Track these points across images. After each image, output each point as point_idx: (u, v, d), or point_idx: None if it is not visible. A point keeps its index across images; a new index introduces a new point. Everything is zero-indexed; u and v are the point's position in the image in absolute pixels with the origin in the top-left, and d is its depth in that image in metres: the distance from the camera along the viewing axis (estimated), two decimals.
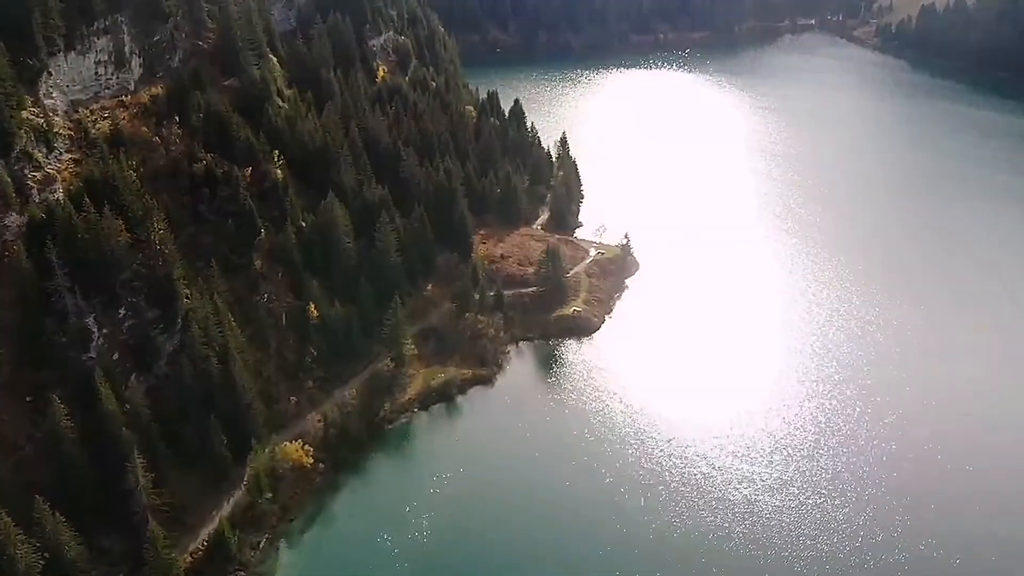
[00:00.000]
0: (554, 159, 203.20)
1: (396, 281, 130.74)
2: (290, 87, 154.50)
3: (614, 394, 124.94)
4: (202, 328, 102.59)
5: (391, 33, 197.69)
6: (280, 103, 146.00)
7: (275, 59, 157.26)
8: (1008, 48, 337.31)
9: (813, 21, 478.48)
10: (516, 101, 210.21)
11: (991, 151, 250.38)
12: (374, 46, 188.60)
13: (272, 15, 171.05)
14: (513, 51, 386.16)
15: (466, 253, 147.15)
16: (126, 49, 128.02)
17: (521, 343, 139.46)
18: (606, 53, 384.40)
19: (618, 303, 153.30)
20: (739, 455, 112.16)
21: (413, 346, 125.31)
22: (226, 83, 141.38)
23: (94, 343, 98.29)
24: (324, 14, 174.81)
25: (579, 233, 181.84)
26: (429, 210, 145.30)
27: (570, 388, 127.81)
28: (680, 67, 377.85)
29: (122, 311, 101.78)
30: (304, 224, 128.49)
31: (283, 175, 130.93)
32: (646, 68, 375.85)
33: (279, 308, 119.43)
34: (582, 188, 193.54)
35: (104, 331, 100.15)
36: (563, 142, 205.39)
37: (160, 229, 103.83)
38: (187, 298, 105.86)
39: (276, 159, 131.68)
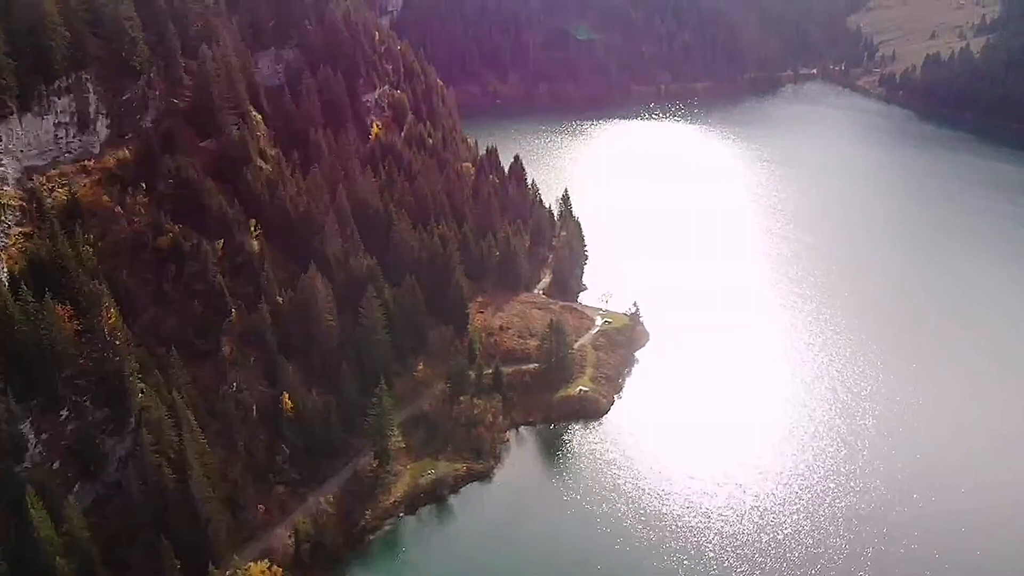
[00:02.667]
0: (556, 218, 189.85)
1: (383, 361, 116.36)
2: (275, 147, 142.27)
3: (625, 493, 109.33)
4: (155, 433, 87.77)
5: (386, 87, 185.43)
6: (262, 165, 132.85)
7: (259, 117, 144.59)
8: (1018, 99, 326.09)
9: (815, 70, 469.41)
10: (516, 157, 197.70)
11: (1009, 205, 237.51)
12: (368, 101, 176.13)
13: (258, 69, 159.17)
14: (513, 102, 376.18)
15: (462, 326, 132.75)
16: (91, 109, 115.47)
17: (522, 428, 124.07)
18: (607, 104, 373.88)
19: (628, 380, 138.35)
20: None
21: (400, 438, 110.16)
22: (202, 144, 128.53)
23: (29, 452, 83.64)
24: (314, 68, 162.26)
25: (583, 298, 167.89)
26: (422, 279, 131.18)
27: (576, 484, 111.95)
28: (682, 118, 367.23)
29: (64, 412, 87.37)
30: (281, 301, 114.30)
31: (259, 247, 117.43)
32: (648, 119, 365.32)
33: (249, 399, 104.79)
34: (586, 249, 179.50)
35: (43, 436, 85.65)
36: (565, 199, 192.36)
37: (111, 317, 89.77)
38: (142, 393, 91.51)
39: (253, 229, 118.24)
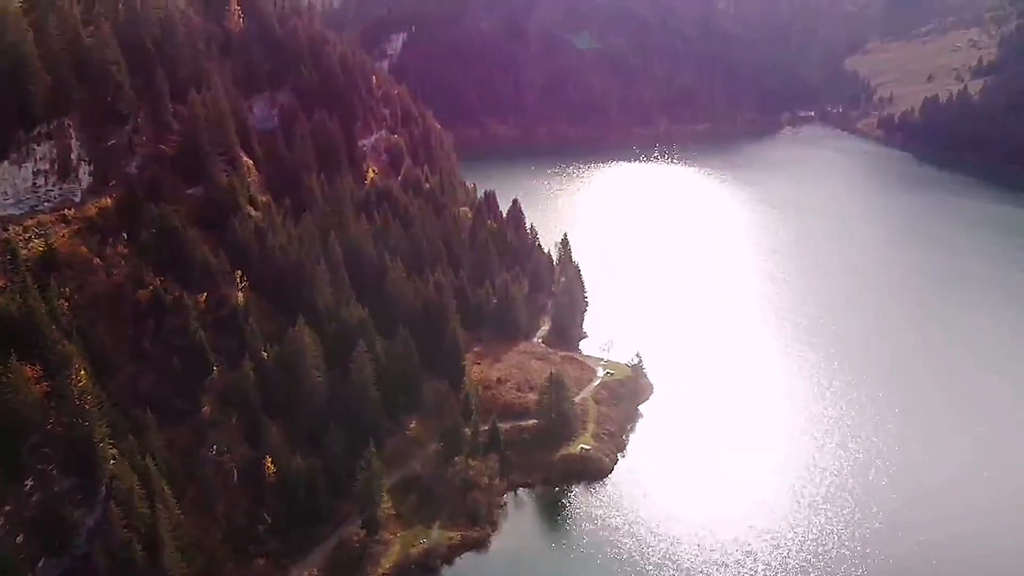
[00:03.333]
0: (555, 263, 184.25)
1: (373, 420, 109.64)
2: (266, 193, 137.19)
3: (630, 562, 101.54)
4: (125, 504, 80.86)
5: (383, 131, 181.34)
6: (251, 212, 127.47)
7: (250, 162, 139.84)
8: (1019, 141, 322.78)
9: (813, 113, 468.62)
10: (515, 201, 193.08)
11: (1013, 249, 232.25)
12: (364, 145, 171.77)
13: (252, 113, 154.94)
14: (512, 144, 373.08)
15: (457, 379, 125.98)
16: (73, 156, 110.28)
17: (520, 491, 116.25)
18: (606, 146, 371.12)
19: (632, 436, 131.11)
20: None
21: (390, 503, 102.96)
22: (189, 192, 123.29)
23: None
24: (310, 112, 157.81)
25: (584, 347, 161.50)
26: (416, 330, 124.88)
27: (577, 553, 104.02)
28: (682, 160, 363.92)
29: (29, 482, 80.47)
30: (266, 356, 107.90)
31: (245, 299, 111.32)
32: (647, 161, 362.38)
33: (230, 462, 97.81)
34: (586, 295, 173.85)
35: (5, 508, 78.75)
36: (565, 244, 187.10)
37: (82, 379, 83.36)
38: (114, 460, 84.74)
39: (238, 280, 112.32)
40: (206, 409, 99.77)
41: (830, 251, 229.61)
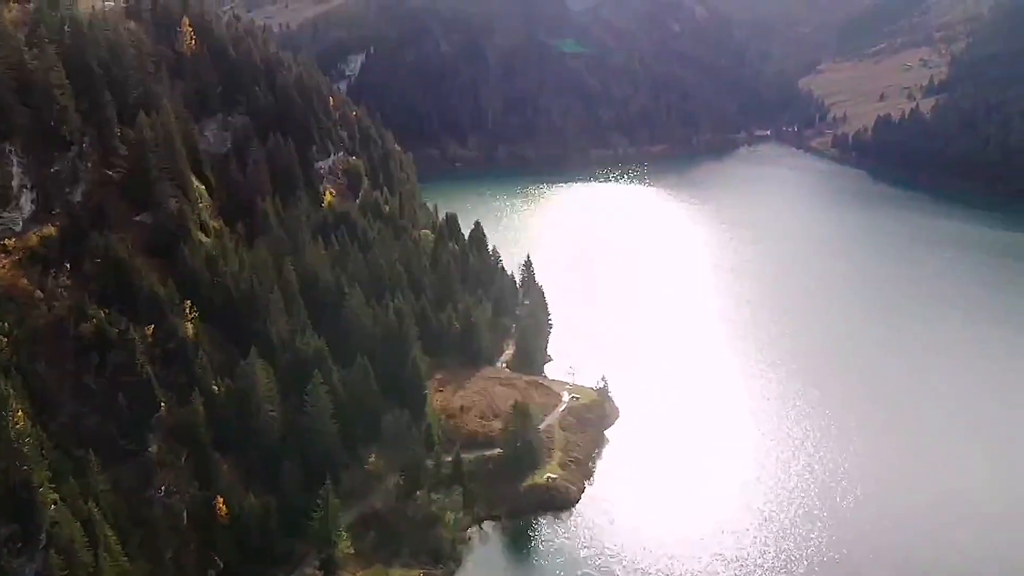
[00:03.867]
0: (518, 285, 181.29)
1: (330, 454, 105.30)
2: (218, 219, 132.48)
3: None
4: (66, 553, 75.59)
5: (341, 154, 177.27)
6: (202, 239, 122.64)
7: (202, 187, 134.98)
8: (972, 158, 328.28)
9: (768, 132, 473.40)
10: (477, 224, 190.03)
11: (967, 265, 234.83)
12: (321, 168, 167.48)
13: (204, 137, 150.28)
14: (473, 165, 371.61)
15: (419, 409, 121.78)
16: (14, 183, 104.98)
17: (485, 524, 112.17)
18: (566, 167, 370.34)
19: (599, 463, 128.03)
20: None
21: (348, 542, 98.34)
22: (137, 219, 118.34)
23: None
24: (264, 135, 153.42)
25: (549, 370, 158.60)
26: (375, 359, 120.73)
27: None
28: (641, 180, 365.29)
29: None
30: (217, 390, 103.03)
31: (194, 330, 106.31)
32: (607, 181, 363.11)
33: (179, 504, 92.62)
34: (550, 317, 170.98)
35: None
36: (528, 265, 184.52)
37: (19, 420, 78.11)
38: (55, 505, 79.40)
39: (188, 311, 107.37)
40: (153, 448, 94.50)
41: (790, 269, 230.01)
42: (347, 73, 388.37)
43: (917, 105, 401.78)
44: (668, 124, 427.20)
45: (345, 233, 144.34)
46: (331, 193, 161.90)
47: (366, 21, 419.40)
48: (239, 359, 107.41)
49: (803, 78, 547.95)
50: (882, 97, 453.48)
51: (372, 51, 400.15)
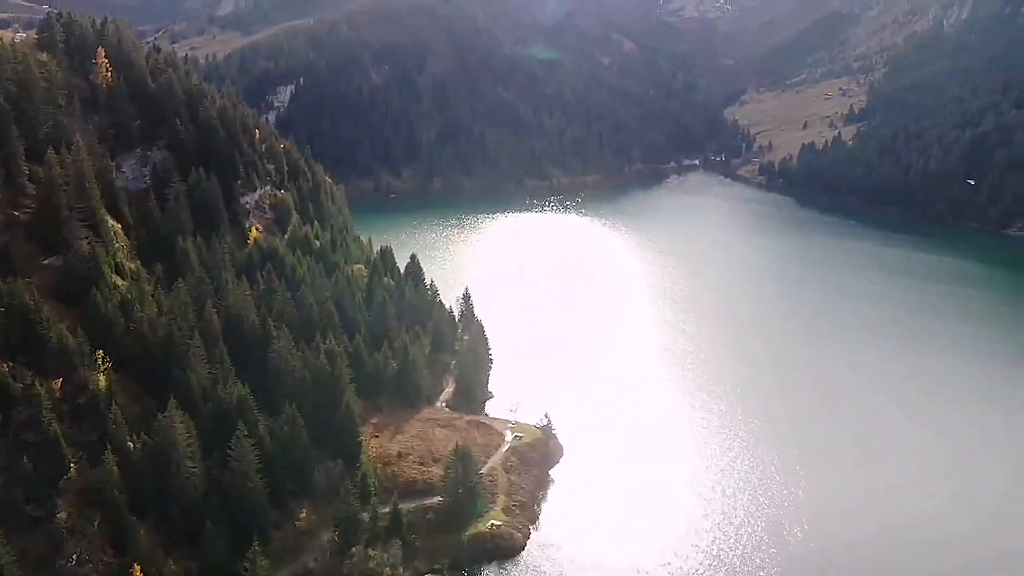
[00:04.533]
0: (457, 319, 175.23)
1: (257, 512, 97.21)
2: (135, 260, 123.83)
3: None
4: None
5: (268, 188, 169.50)
6: (117, 282, 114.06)
7: (117, 226, 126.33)
8: (894, 184, 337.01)
9: (698, 161, 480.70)
10: (413, 257, 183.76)
11: (892, 288, 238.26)
12: (247, 203, 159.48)
13: (122, 172, 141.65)
14: (408, 196, 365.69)
15: (353, 458, 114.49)
16: None
17: None
18: (501, 197, 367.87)
19: (544, 506, 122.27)
20: None
21: None
22: (45, 262, 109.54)
23: None
24: (186, 171, 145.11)
25: (491, 407, 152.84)
26: (305, 405, 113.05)
27: None
28: (576, 210, 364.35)
29: None
30: (132, 447, 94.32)
31: (107, 382, 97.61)
32: (542, 211, 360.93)
33: (92, 573, 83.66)
34: (490, 352, 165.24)
35: None
36: (466, 298, 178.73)
37: None
38: None
39: (100, 361, 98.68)
40: (63, 513, 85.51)
41: (724, 298, 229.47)
42: (276, 104, 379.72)
43: (839, 133, 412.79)
44: (601, 154, 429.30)
45: (272, 271, 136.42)
46: (257, 229, 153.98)
47: (295, 52, 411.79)
48: (156, 412, 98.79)
49: (728, 108, 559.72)
50: (805, 126, 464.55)
51: (302, 82, 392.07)
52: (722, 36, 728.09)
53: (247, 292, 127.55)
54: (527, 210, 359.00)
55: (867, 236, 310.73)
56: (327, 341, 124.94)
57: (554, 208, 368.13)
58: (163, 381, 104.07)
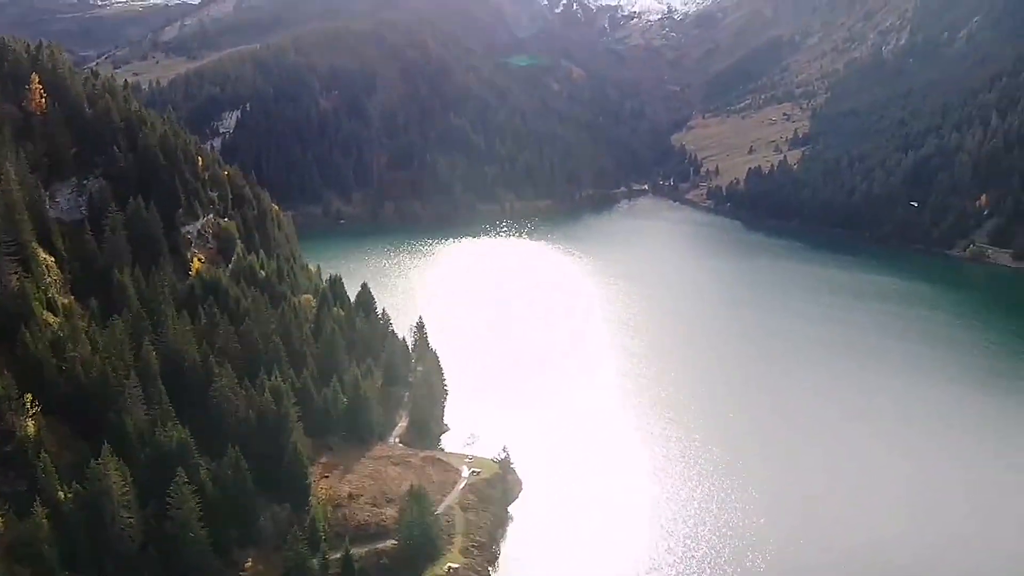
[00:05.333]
0: (411, 350, 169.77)
1: (199, 562, 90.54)
2: (69, 295, 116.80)
3: None
4: None
5: (211, 216, 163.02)
6: (49, 320, 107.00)
7: (50, 260, 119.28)
8: (839, 206, 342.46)
9: (647, 186, 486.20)
10: (364, 286, 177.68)
11: (843, 310, 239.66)
12: (189, 233, 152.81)
13: (57, 202, 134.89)
14: (358, 222, 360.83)
15: (302, 501, 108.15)
16: None
17: None
18: (454, 222, 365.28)
19: (504, 545, 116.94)
20: None
21: None
22: None
23: None
24: (124, 200, 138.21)
25: (446, 441, 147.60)
26: (250, 447, 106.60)
27: None
28: (528, 235, 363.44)
29: None
30: (63, 497, 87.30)
31: (36, 428, 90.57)
32: (495, 236, 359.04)
33: None
34: (445, 383, 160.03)
35: None
36: (420, 328, 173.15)
37: None
38: None
39: (29, 406, 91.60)
40: None
41: (678, 322, 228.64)
42: (221, 130, 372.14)
43: (784, 157, 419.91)
44: (552, 180, 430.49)
45: (215, 304, 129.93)
46: (200, 260, 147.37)
47: (241, 77, 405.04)
48: (90, 458, 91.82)
49: (675, 134, 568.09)
50: (751, 150, 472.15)
51: (248, 108, 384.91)
52: (667, 63, 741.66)
53: (188, 327, 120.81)
54: (481, 235, 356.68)
55: (815, 258, 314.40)
56: (272, 377, 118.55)
57: (507, 233, 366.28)
58: (97, 425, 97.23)
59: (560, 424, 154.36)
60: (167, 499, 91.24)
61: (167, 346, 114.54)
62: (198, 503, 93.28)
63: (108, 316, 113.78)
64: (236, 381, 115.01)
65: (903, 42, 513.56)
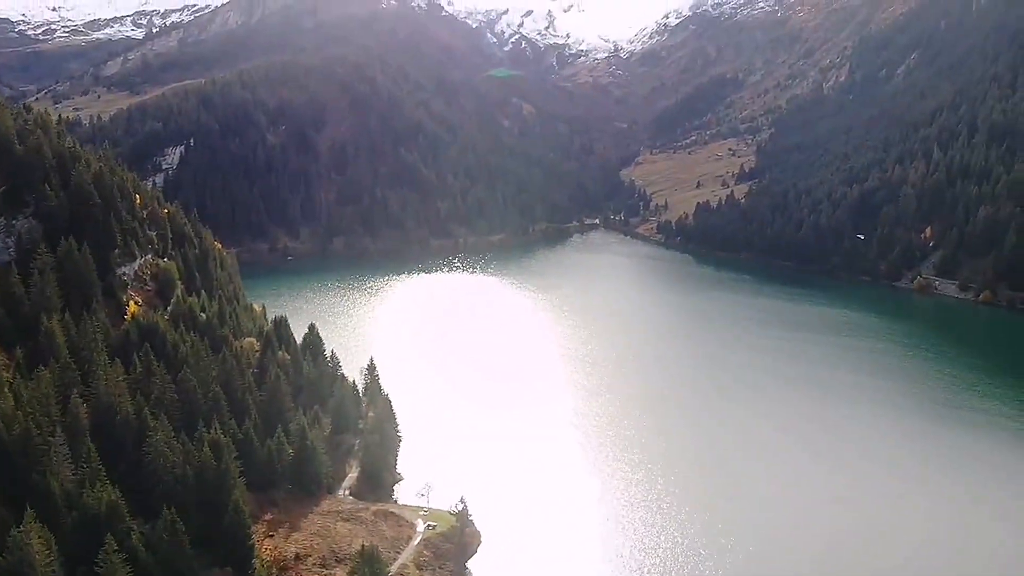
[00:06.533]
0: (361, 394, 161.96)
1: None
2: None
3: None
4: None
5: (149, 256, 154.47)
6: None
7: None
8: (787, 239, 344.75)
9: (598, 221, 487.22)
10: (311, 327, 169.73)
11: (801, 343, 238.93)
12: (125, 275, 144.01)
13: None
14: (307, 259, 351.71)
15: (244, 564, 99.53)
16: None
17: None
18: (407, 258, 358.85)
19: None
20: None
21: None
22: None
23: None
24: (55, 241, 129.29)
25: (400, 492, 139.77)
26: (187, 507, 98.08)
27: None
28: (483, 270, 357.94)
29: None
30: None
31: None
32: (449, 272, 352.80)
33: None
34: (398, 429, 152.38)
35: None
36: (371, 370, 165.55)
37: None
38: None
39: None
40: None
41: (633, 357, 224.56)
42: (164, 166, 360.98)
43: (732, 192, 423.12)
44: (506, 214, 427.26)
45: (151, 351, 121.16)
46: (136, 303, 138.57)
47: (185, 112, 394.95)
48: (11, 525, 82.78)
49: (624, 169, 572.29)
50: (698, 185, 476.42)
51: (192, 143, 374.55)
52: (614, 100, 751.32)
53: (121, 377, 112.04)
54: (433, 270, 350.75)
55: (765, 291, 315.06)
56: (212, 429, 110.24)
57: (461, 268, 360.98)
58: (19, 488, 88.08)
59: (519, 468, 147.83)
60: (96, 568, 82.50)
61: (98, 398, 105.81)
62: (130, 571, 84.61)
63: (35, 366, 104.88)
64: (172, 435, 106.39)
65: (843, 79, 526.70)
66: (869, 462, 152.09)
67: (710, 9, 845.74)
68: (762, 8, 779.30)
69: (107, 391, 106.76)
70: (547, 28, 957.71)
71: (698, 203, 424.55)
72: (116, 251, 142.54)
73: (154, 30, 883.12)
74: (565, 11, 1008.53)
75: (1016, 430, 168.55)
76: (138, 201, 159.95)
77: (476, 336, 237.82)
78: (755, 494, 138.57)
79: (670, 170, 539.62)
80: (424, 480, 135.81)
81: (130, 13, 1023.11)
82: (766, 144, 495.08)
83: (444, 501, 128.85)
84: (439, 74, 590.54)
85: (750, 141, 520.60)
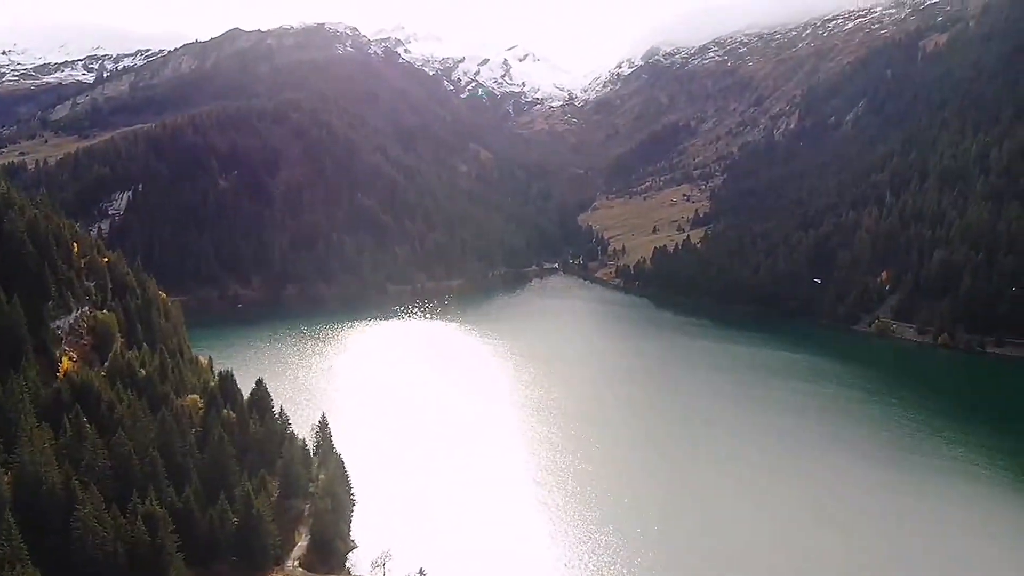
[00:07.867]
0: (312, 454, 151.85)
1: None
2: None
3: None
4: None
5: (86, 309, 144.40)
6: None
7: None
8: (744, 283, 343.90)
9: (557, 265, 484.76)
10: (259, 382, 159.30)
11: (760, 388, 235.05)
12: (59, 328, 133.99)
13: None
14: (258, 306, 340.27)
15: None
16: None
17: None
18: (363, 304, 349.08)
19: None
20: None
21: None
22: None
23: None
24: None
25: (354, 561, 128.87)
26: None
27: None
28: (442, 316, 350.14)
29: None
30: None
31: None
32: (407, 318, 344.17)
33: None
34: (352, 492, 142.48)
35: None
36: (323, 426, 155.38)
37: None
38: None
39: None
40: None
41: (594, 407, 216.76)
42: (111, 212, 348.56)
43: (688, 236, 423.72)
44: (464, 259, 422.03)
45: (82, 412, 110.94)
46: (70, 359, 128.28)
47: (134, 156, 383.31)
48: None
49: (581, 215, 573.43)
50: (655, 230, 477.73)
51: (140, 188, 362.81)
52: (570, 147, 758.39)
53: (48, 442, 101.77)
54: (391, 317, 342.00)
55: (725, 335, 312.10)
56: (147, 501, 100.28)
57: (419, 314, 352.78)
58: None
59: (482, 532, 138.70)
60: None
61: (22, 468, 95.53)
62: None
63: None
64: (104, 507, 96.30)
65: (793, 126, 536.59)
66: (844, 511, 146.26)
67: (662, 59, 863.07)
68: (712, 58, 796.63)
69: (32, 460, 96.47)
70: (503, 76, 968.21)
71: (655, 248, 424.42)
72: (50, 303, 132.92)
73: (105, 74, 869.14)
74: (520, 60, 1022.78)
75: (988, 477, 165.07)
76: (76, 250, 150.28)
77: (435, 387, 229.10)
78: (721, 548, 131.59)
79: (626, 215, 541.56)
80: (380, 548, 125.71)
81: (82, 57, 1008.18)
82: (719, 190, 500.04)
83: (402, 570, 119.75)
84: (396, 120, 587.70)
85: (704, 187, 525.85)
